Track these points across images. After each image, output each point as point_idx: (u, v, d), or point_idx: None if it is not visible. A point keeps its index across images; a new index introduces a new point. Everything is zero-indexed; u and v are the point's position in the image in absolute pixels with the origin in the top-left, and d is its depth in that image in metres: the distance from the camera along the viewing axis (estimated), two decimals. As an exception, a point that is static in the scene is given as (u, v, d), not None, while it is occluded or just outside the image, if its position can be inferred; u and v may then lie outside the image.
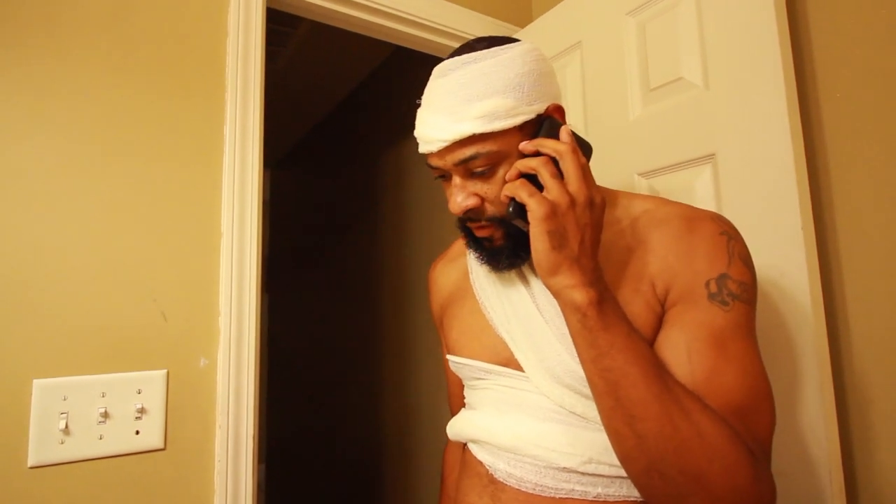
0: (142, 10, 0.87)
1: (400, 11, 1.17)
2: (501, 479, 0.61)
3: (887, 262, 0.73)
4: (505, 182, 0.58)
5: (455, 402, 0.85)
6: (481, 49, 0.59)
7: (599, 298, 0.52)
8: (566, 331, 0.59)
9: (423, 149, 0.61)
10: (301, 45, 2.19)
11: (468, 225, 0.64)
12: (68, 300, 0.78)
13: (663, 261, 0.58)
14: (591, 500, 0.57)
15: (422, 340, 1.98)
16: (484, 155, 0.57)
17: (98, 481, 0.77)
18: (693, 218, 0.60)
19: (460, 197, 0.60)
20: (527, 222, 0.55)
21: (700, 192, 0.87)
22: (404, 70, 2.16)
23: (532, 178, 0.56)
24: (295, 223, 3.45)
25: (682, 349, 0.53)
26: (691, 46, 0.89)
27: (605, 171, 1.01)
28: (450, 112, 0.57)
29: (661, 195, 0.93)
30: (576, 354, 0.57)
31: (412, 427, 2.02)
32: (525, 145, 0.58)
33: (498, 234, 0.62)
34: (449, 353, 0.74)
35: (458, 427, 0.71)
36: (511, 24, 1.35)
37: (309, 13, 1.13)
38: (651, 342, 0.57)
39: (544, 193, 0.53)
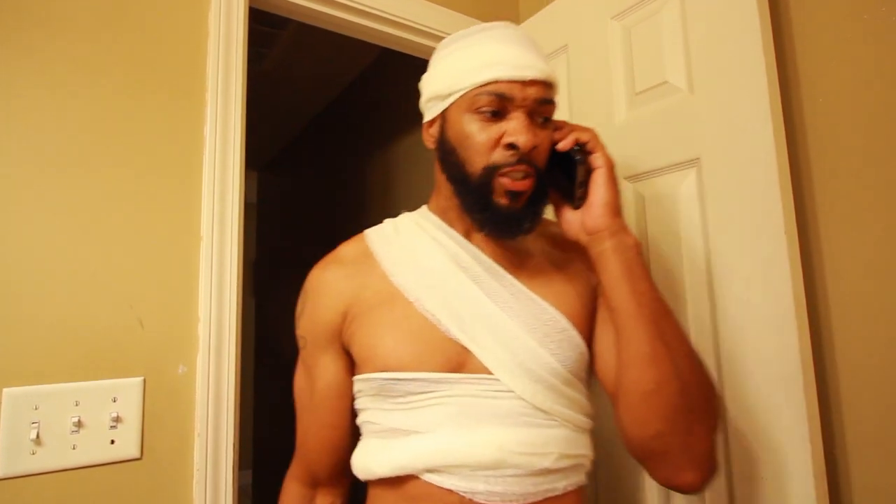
0: (119, 9, 0.86)
1: (386, 13, 1.16)
2: (482, 502, 0.57)
3: (870, 264, 0.74)
4: (553, 140, 0.64)
5: (325, 446, 0.71)
6: None
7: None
8: (532, 322, 0.62)
9: (511, 73, 0.58)
10: (288, 46, 2.17)
11: (504, 173, 0.60)
12: (41, 306, 0.75)
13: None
14: (561, 493, 0.60)
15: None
16: (554, 104, 0.62)
17: (71, 492, 0.74)
18: None
19: (531, 133, 0.59)
20: (583, 166, 0.63)
21: (685, 196, 0.87)
22: (392, 72, 2.14)
23: (559, 163, 0.65)
24: (283, 226, 3.42)
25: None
26: (676, 51, 0.89)
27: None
28: (537, 53, 0.61)
29: (647, 199, 0.94)
30: (546, 345, 0.61)
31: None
32: (561, 122, 0.66)
33: (531, 190, 0.62)
34: (374, 370, 0.63)
35: (398, 459, 0.59)
36: (498, 27, 1.34)
37: (293, 14, 1.11)
38: (590, 317, 0.67)
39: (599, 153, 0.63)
